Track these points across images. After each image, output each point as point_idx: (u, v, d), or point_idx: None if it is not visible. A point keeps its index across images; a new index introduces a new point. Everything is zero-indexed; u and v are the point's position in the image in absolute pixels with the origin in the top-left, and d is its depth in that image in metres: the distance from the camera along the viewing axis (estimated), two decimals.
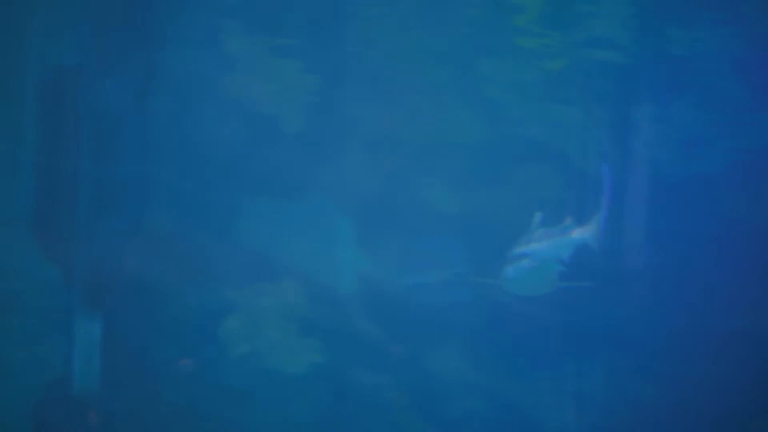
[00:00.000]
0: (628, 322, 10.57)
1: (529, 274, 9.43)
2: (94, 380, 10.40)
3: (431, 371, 10.75)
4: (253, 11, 10.46)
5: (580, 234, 9.46)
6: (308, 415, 10.61)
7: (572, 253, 9.39)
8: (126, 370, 10.54)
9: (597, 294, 10.47)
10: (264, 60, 10.59)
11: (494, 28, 10.28)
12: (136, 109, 10.56)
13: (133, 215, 10.59)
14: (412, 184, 10.80)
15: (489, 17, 10.19)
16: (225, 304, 10.54)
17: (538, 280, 9.55)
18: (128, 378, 10.56)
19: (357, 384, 10.68)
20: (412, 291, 10.81)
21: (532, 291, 9.65)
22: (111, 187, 10.51)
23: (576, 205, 10.48)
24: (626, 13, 9.92)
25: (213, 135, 10.62)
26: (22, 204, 10.35)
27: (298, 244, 10.77)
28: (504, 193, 10.66)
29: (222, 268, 10.65)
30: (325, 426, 10.64)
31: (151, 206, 10.65)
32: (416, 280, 10.84)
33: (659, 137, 10.52)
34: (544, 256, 9.42)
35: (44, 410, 10.37)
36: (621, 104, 10.58)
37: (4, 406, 10.25)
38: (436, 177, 10.70)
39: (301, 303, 10.62)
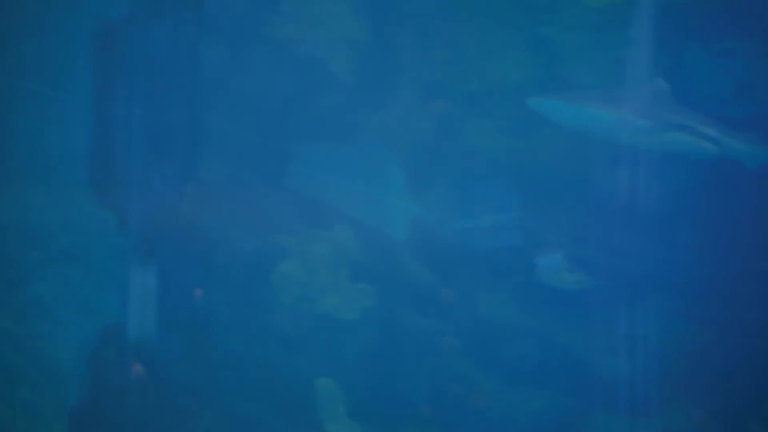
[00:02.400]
0: (682, 267, 10.55)
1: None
2: (149, 327, 10.48)
3: (483, 315, 10.78)
4: None
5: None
6: (360, 359, 10.67)
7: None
8: (180, 316, 10.62)
9: (653, 240, 10.49)
10: (316, 5, 10.56)
11: None
12: (188, 56, 10.57)
13: (186, 162, 10.63)
14: (462, 128, 10.76)
15: None
16: (277, 250, 10.58)
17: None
18: (181, 324, 10.64)
19: (409, 328, 10.72)
20: (464, 235, 10.82)
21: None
22: (164, 135, 10.55)
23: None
24: None
25: (264, 80, 10.61)
26: (78, 152, 10.42)
27: (349, 189, 10.78)
28: (555, 136, 10.60)
29: (274, 214, 10.68)
30: (377, 370, 10.70)
31: (203, 153, 10.68)
32: (467, 224, 10.85)
33: (718, 75, 10.41)
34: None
35: (99, 357, 10.47)
36: (677, 40, 10.46)
37: (60, 353, 10.36)
38: (486, 120, 10.64)
39: (353, 248, 10.64)
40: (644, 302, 10.63)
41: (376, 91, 10.73)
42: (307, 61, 10.64)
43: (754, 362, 10.49)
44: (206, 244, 10.61)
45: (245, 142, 10.72)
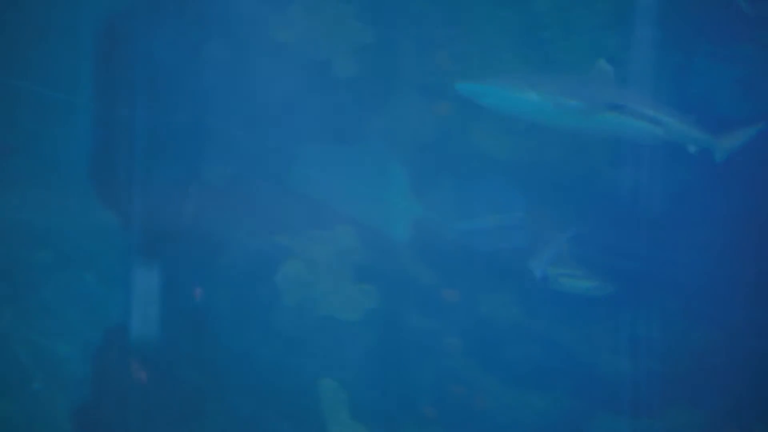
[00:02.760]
0: (686, 268, 10.51)
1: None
2: (152, 328, 10.51)
3: (486, 316, 10.77)
4: None
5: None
6: (363, 360, 10.67)
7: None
8: (183, 317, 10.64)
9: (655, 239, 10.46)
10: (319, 6, 10.53)
11: None
12: (191, 56, 10.56)
13: (188, 163, 10.63)
14: (465, 129, 10.72)
15: None
16: (280, 251, 10.58)
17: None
18: (185, 325, 10.66)
19: (412, 329, 10.72)
20: (467, 236, 10.80)
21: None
22: (167, 135, 10.55)
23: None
24: None
25: (267, 81, 10.58)
26: (80, 153, 10.43)
27: (352, 190, 10.77)
28: (558, 138, 10.55)
29: (276, 215, 10.68)
30: (380, 371, 10.71)
31: (206, 154, 10.67)
32: (470, 225, 10.82)
33: (717, 75, 10.35)
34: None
35: (103, 358, 10.50)
36: (677, 42, 10.40)
37: (63, 354, 10.39)
38: (489, 120, 10.59)
39: (356, 249, 10.64)
40: (647, 303, 10.61)
41: (379, 91, 10.69)
42: (310, 62, 10.62)
43: (758, 363, 10.47)
44: (209, 245, 10.62)
45: (248, 143, 10.71)
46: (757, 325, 10.49)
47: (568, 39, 10.32)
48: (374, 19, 10.66)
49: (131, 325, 10.47)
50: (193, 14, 10.55)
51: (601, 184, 10.57)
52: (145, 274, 10.48)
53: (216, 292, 10.65)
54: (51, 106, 10.40)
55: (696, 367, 10.59)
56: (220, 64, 10.62)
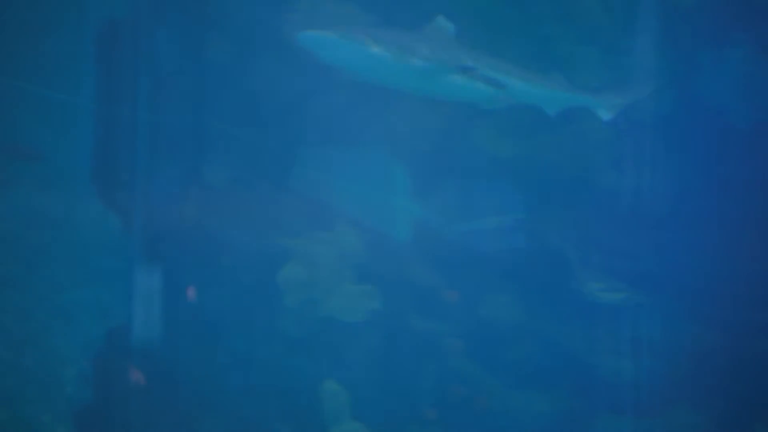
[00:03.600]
0: (688, 269, 10.54)
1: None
2: (153, 329, 10.49)
3: (487, 317, 10.78)
4: None
5: None
6: (365, 361, 10.67)
7: None
8: (184, 318, 10.63)
9: (658, 242, 10.49)
10: (320, 6, 10.53)
11: None
12: (193, 58, 10.56)
13: (190, 164, 10.63)
14: (467, 130, 10.74)
15: None
16: (281, 253, 10.57)
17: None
18: (186, 327, 10.65)
19: (413, 330, 10.72)
20: (468, 237, 10.82)
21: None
22: (168, 137, 10.54)
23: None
24: None
25: (268, 83, 10.59)
26: (82, 154, 10.42)
27: (353, 191, 10.78)
28: (559, 137, 10.58)
29: (278, 216, 10.68)
30: (382, 372, 10.71)
31: (208, 155, 10.67)
32: (471, 226, 10.84)
33: (724, 81, 10.39)
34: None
35: (104, 359, 10.48)
36: (679, 44, 10.43)
37: (65, 355, 10.37)
38: (491, 122, 10.62)
39: (357, 250, 10.64)
40: (649, 304, 10.64)
41: (381, 92, 10.68)
42: (311, 63, 10.59)
43: (759, 363, 10.49)
44: (211, 247, 10.61)
45: (250, 145, 10.71)
46: (757, 325, 10.51)
47: (572, 39, 10.32)
48: (375, 19, 10.66)
49: (133, 327, 10.45)
50: (194, 15, 10.55)
51: (602, 185, 10.60)
52: (147, 275, 10.46)
53: (217, 294, 10.64)
54: (53, 108, 10.39)
55: (696, 367, 10.62)
56: (222, 66, 10.62)
